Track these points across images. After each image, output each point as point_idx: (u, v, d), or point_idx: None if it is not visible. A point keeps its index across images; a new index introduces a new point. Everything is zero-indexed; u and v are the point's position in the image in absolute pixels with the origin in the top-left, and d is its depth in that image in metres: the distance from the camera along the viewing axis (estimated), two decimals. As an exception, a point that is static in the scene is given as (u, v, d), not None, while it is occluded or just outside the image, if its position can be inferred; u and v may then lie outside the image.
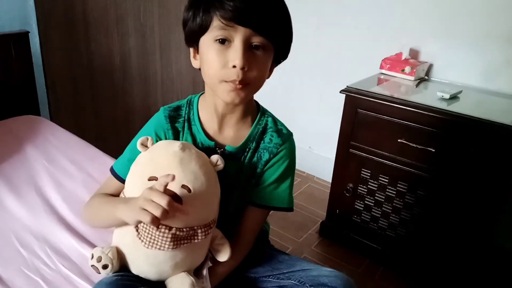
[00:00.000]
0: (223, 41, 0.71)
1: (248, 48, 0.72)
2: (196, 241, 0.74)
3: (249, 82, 0.74)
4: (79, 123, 2.02)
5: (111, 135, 2.18)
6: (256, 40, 0.72)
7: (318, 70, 2.16)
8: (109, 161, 1.34)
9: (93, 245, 0.98)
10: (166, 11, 2.19)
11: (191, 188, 0.72)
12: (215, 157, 0.78)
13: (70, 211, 1.11)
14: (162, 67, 2.30)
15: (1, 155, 1.33)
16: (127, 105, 2.21)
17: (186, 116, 0.85)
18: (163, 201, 0.63)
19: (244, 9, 0.68)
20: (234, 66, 0.71)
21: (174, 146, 0.75)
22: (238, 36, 0.70)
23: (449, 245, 1.47)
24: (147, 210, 0.64)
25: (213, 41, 0.72)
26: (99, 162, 1.34)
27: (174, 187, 0.71)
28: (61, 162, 1.33)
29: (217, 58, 0.72)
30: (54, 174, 1.27)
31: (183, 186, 0.72)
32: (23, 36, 1.61)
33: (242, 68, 0.71)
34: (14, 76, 1.62)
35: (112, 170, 0.88)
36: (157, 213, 0.63)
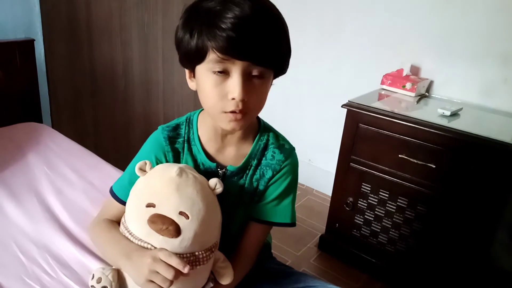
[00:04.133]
0: (220, 72, 0.69)
1: (247, 78, 0.69)
2: (198, 266, 0.73)
3: (250, 110, 0.73)
4: (80, 130, 2.02)
5: (112, 143, 2.18)
6: (255, 70, 0.69)
7: (319, 84, 2.17)
8: (110, 169, 1.34)
9: (94, 254, 0.97)
10: (170, 22, 2.21)
11: (189, 215, 0.71)
12: (213, 181, 0.77)
13: (71, 219, 1.10)
14: (164, 76, 2.31)
15: (2, 161, 1.33)
16: (128, 113, 2.21)
17: (185, 136, 0.83)
18: (169, 274, 0.65)
19: (238, 40, 0.65)
20: (233, 98, 0.69)
21: (171, 171, 0.74)
22: (236, 69, 0.68)
23: (448, 261, 1.47)
24: (154, 282, 0.66)
25: (210, 71, 0.70)
26: (100, 171, 1.34)
27: (172, 214, 0.71)
28: (62, 170, 1.33)
29: (215, 89, 0.70)
30: (55, 182, 1.26)
31: (181, 213, 0.71)
32: (29, 44, 1.62)
33: (242, 100, 0.69)
34: (18, 83, 1.63)
35: (112, 193, 0.87)
36: (165, 286, 0.66)
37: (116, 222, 0.85)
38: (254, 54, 0.67)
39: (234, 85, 0.68)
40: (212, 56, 0.68)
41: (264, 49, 0.68)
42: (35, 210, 1.13)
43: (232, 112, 0.71)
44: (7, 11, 1.61)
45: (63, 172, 1.32)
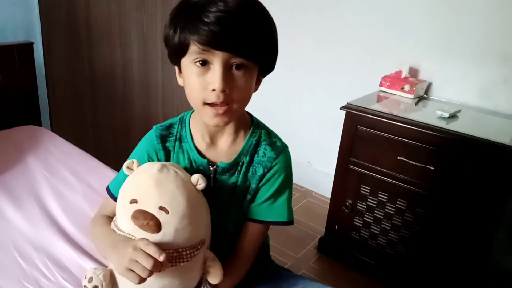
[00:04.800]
0: (203, 63, 0.70)
1: (229, 69, 0.70)
2: (182, 263, 0.73)
3: (232, 103, 0.72)
4: (80, 132, 2.02)
5: (111, 145, 2.18)
6: (236, 61, 0.70)
7: (317, 86, 2.17)
8: (109, 173, 1.34)
9: (92, 257, 0.98)
10: (169, 24, 2.21)
11: (168, 210, 0.71)
12: (195, 177, 0.77)
13: (70, 222, 1.10)
14: (163, 77, 2.32)
15: (2, 164, 1.33)
16: (128, 115, 2.22)
17: (177, 134, 0.84)
18: (148, 263, 0.65)
19: (219, 33, 0.66)
20: (214, 90, 0.70)
21: (153, 167, 0.75)
22: (216, 60, 0.69)
23: (447, 263, 1.47)
24: (134, 271, 0.67)
25: (192, 63, 0.71)
26: (100, 174, 1.34)
27: (153, 209, 0.71)
28: (62, 173, 1.33)
29: (197, 80, 0.71)
30: (54, 185, 1.26)
31: (161, 208, 0.71)
32: (28, 47, 1.62)
33: (223, 91, 0.70)
34: (17, 86, 1.63)
35: (108, 191, 0.88)
36: (144, 275, 0.66)
37: (111, 218, 0.85)
38: (234, 45, 0.68)
39: (214, 76, 0.69)
40: (193, 48, 0.69)
41: (244, 40, 0.68)
42: (35, 214, 1.13)
43: (214, 104, 0.72)
44: (6, 13, 1.62)
45: (63, 176, 1.32)
